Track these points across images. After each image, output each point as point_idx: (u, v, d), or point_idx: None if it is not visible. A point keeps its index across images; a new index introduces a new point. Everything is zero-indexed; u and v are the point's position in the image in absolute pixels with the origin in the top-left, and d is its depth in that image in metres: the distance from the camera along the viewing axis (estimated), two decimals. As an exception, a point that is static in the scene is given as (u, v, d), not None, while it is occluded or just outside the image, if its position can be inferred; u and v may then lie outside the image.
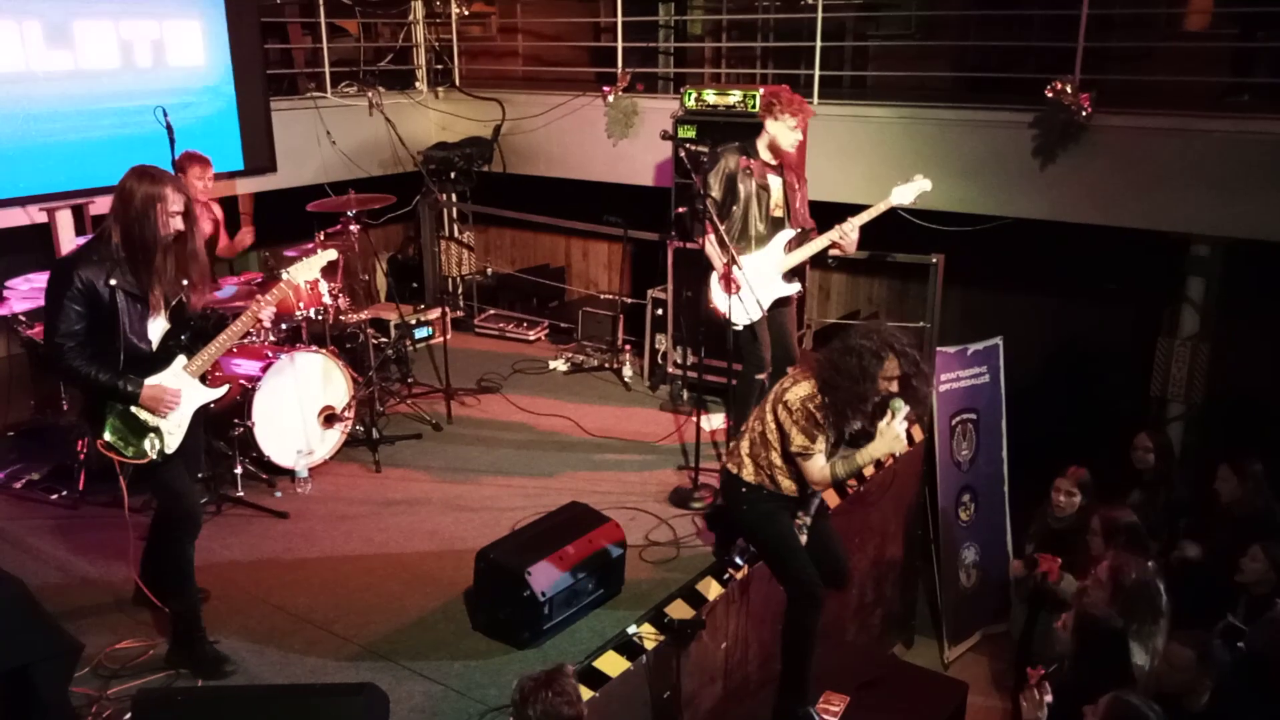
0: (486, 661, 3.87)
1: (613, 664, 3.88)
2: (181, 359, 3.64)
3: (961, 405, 6.29)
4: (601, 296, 8.03)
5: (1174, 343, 6.35)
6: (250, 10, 7.05)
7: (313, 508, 5.07)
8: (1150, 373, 6.52)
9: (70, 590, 4.30)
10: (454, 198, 8.38)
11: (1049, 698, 3.64)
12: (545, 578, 3.89)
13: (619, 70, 7.45)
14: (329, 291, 5.66)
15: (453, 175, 8.03)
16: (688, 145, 5.25)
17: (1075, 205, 5.90)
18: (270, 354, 5.21)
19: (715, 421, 5.74)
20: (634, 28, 7.81)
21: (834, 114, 6.57)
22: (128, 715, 3.36)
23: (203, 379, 3.72)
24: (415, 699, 3.65)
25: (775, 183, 5.13)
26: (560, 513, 4.37)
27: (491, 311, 8.22)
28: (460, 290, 8.54)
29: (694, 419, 5.26)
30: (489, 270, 9.01)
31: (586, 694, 3.70)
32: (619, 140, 7.46)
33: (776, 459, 3.74)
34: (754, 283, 4.85)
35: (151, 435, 3.57)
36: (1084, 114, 5.63)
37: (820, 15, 6.57)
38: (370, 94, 7.33)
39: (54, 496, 5.10)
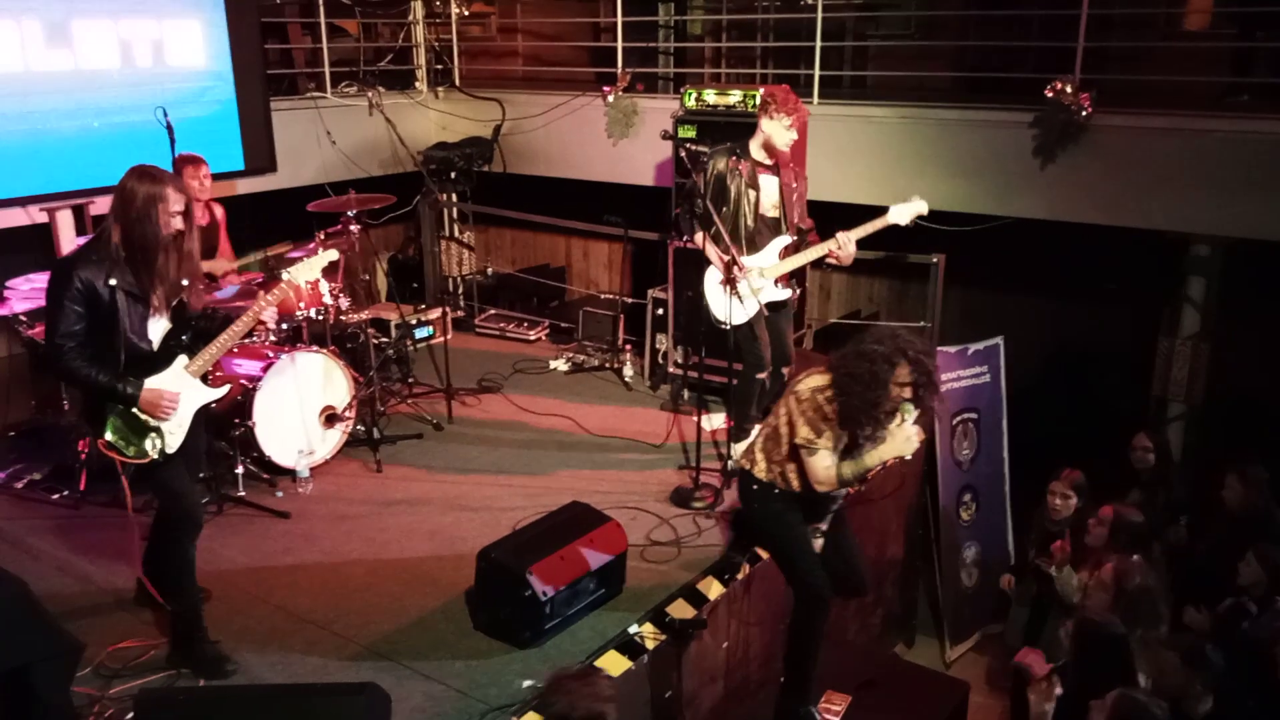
0: (487, 661, 3.87)
1: (614, 663, 3.88)
2: (183, 359, 3.64)
3: (962, 405, 6.29)
4: (602, 296, 8.03)
5: (1174, 342, 6.35)
6: (250, 10, 7.05)
7: (314, 508, 5.07)
8: (1150, 373, 6.52)
9: (71, 590, 4.30)
10: (454, 198, 8.38)
11: (1058, 689, 3.65)
12: (546, 577, 3.89)
13: (619, 70, 7.45)
14: (330, 291, 5.66)
15: (453, 175, 8.03)
16: (688, 145, 5.25)
17: (1075, 205, 5.90)
18: (271, 354, 5.21)
19: (716, 421, 5.74)
20: (634, 27, 7.81)
21: (834, 114, 6.57)
22: (129, 715, 3.37)
23: (204, 379, 3.72)
24: (416, 699, 3.65)
25: (769, 183, 5.13)
26: (561, 512, 4.37)
27: (492, 311, 8.22)
28: (461, 290, 8.54)
29: (694, 419, 5.26)
30: (489, 270, 9.01)
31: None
32: (619, 140, 7.46)
33: (787, 454, 3.73)
34: (747, 285, 4.85)
35: (153, 435, 3.57)
36: (1084, 114, 5.63)
37: (820, 15, 6.57)
38: (370, 94, 7.33)
39: (55, 496, 5.10)
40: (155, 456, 3.58)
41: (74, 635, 3.41)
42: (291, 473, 5.24)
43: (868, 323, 7.93)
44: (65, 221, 5.93)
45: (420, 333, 6.75)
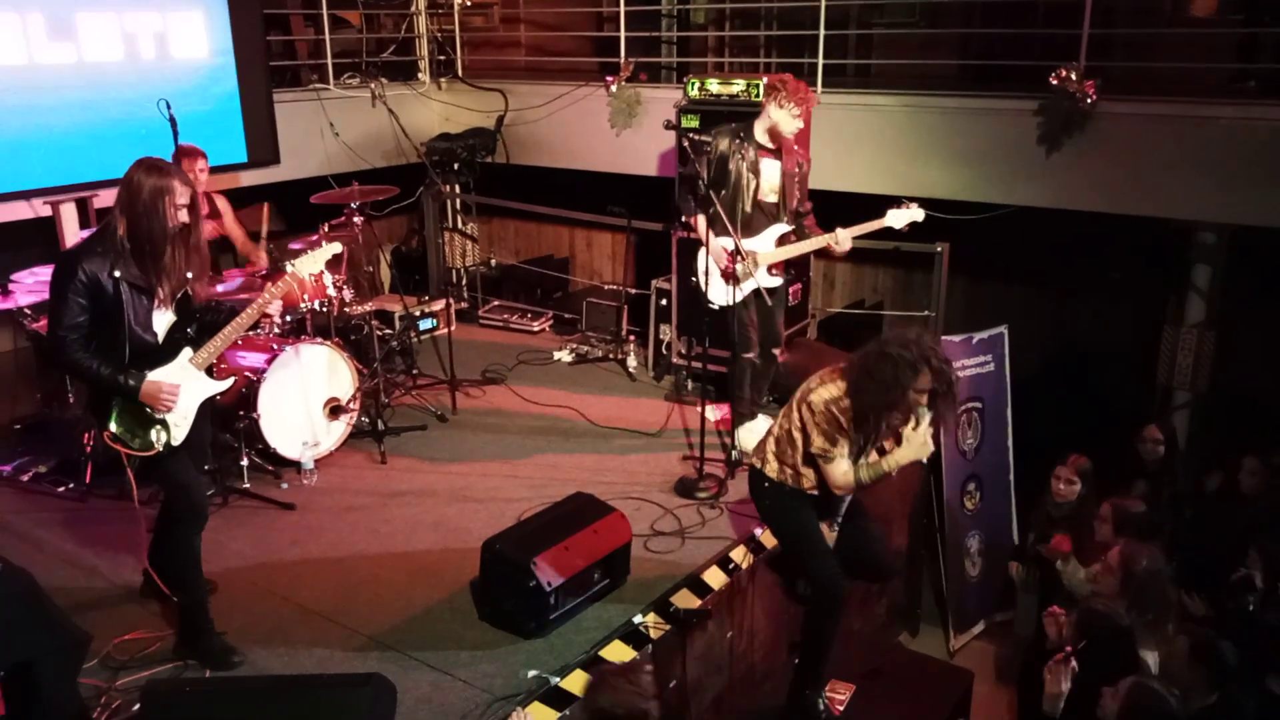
0: (492, 651, 3.88)
1: (618, 653, 3.89)
2: (187, 351, 3.65)
3: (966, 394, 6.27)
4: (606, 287, 8.02)
5: (1179, 331, 6.33)
6: (253, 2, 7.04)
7: (319, 499, 5.08)
8: (1155, 361, 6.50)
9: (78, 583, 4.32)
10: (457, 189, 8.37)
11: (1074, 665, 3.66)
12: (551, 568, 3.90)
13: (622, 60, 7.43)
14: (334, 283, 5.67)
15: (456, 166, 8.02)
16: (691, 134, 5.24)
17: (1080, 193, 5.88)
18: (275, 346, 5.21)
19: (719, 411, 5.74)
20: (637, 17, 7.78)
21: (837, 103, 6.54)
22: (136, 706, 3.39)
23: (209, 371, 3.73)
24: (422, 689, 3.66)
25: (770, 167, 5.11)
26: (565, 503, 4.37)
27: (496, 303, 8.22)
28: (464, 281, 8.53)
29: (698, 409, 5.27)
30: (493, 261, 9.00)
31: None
32: (622, 130, 7.44)
33: (800, 458, 3.72)
34: (740, 269, 4.87)
35: (158, 427, 3.58)
36: (1088, 101, 5.60)
37: (824, 3, 6.54)
38: (373, 85, 7.31)
39: (61, 489, 5.12)
40: (160, 449, 3.60)
41: (81, 627, 3.43)
42: (296, 465, 5.25)
43: (872, 313, 7.94)
44: (69, 214, 5.94)
45: (424, 324, 6.75)
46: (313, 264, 4.10)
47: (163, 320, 3.60)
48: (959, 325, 6.50)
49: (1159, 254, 6.48)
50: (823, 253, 5.18)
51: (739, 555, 4.50)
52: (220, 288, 5.32)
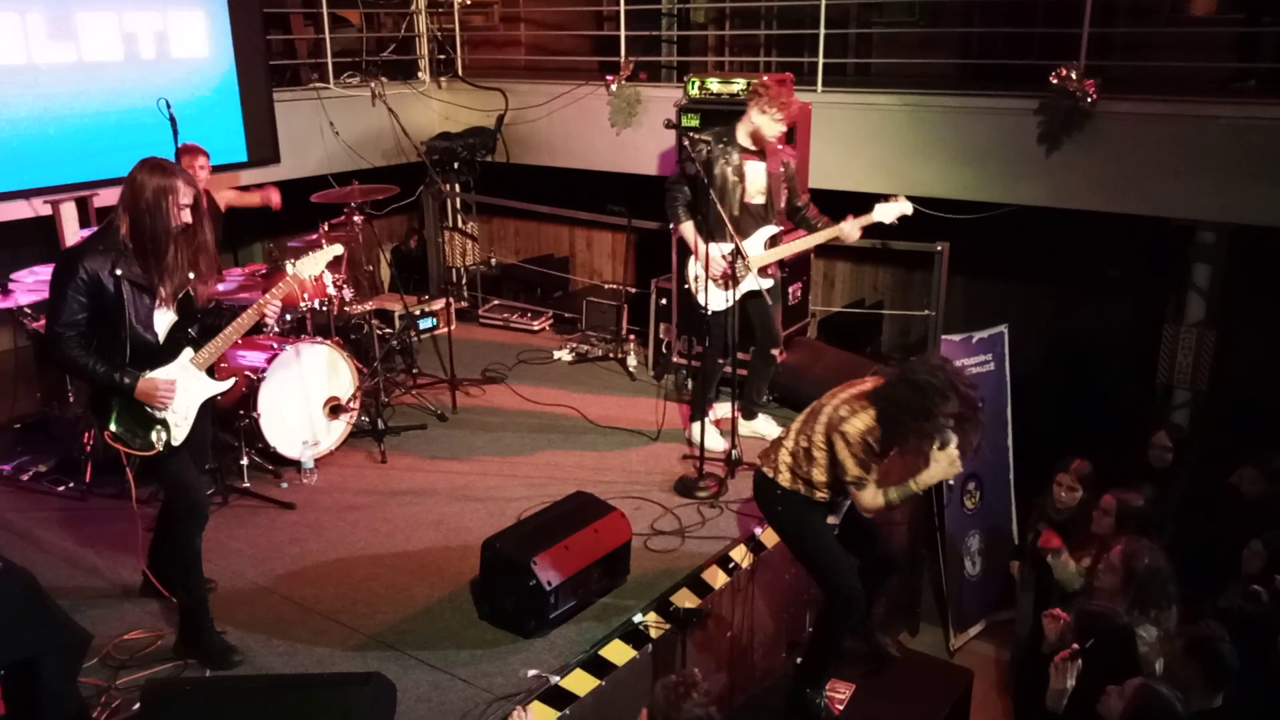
0: (493, 650, 3.89)
1: (619, 653, 3.90)
2: (188, 351, 3.65)
3: (966, 394, 6.27)
4: (606, 286, 8.02)
5: (1179, 330, 6.33)
6: (253, 1, 7.04)
7: (319, 498, 5.08)
8: (1155, 360, 6.50)
9: (78, 582, 4.32)
10: (457, 188, 8.37)
11: (1080, 662, 3.66)
12: (551, 567, 3.90)
13: (622, 59, 7.43)
14: (334, 283, 5.67)
15: (456, 165, 8.02)
16: (691, 134, 5.24)
17: (1080, 192, 5.88)
18: (275, 345, 5.22)
19: (721, 411, 5.74)
20: (637, 16, 7.78)
21: (838, 102, 6.54)
22: (136, 705, 3.40)
23: (210, 371, 3.73)
24: (422, 688, 3.67)
25: (756, 169, 5.12)
26: (565, 502, 4.38)
27: (496, 302, 8.23)
28: (464, 281, 8.53)
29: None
30: (493, 260, 9.00)
31: (592, 683, 3.73)
32: (622, 129, 7.44)
33: (818, 474, 3.72)
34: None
35: (158, 427, 3.58)
36: (1088, 101, 5.60)
37: (824, 2, 6.54)
38: (373, 84, 7.31)
39: (61, 489, 5.12)
40: (160, 449, 3.60)
41: (81, 626, 3.44)
42: (296, 464, 5.25)
43: (872, 312, 7.94)
44: (69, 214, 5.93)
45: (424, 323, 6.76)
46: (313, 266, 4.11)
47: (164, 320, 3.60)
48: (959, 324, 6.50)
49: (1159, 253, 6.48)
50: (822, 247, 5.19)
51: (739, 554, 4.50)
52: (220, 287, 5.32)
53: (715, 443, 5.35)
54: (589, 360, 7.04)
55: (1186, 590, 4.10)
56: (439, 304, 6.96)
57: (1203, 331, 6.26)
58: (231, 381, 3.89)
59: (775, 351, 5.50)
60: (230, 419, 5.06)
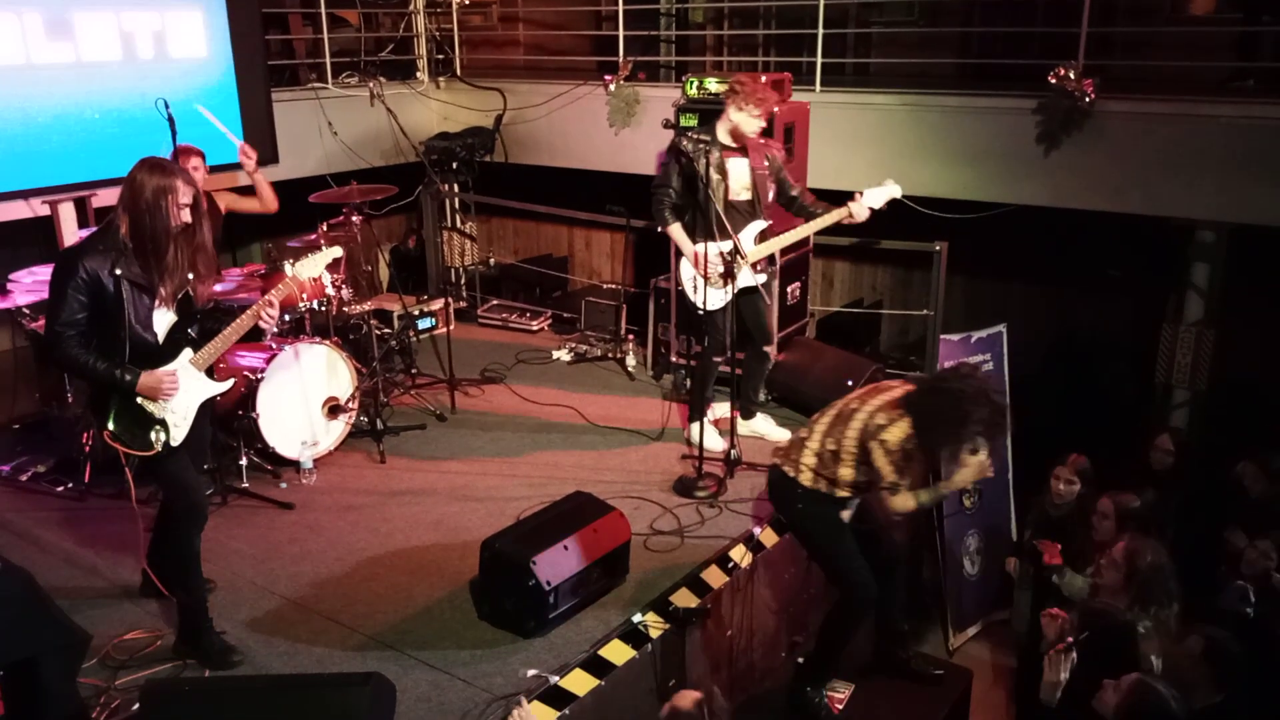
0: (492, 650, 3.89)
1: (618, 652, 3.89)
2: (188, 352, 3.65)
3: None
4: (604, 286, 8.02)
5: (1178, 329, 6.33)
6: (251, 1, 7.03)
7: (318, 499, 5.08)
8: (1154, 360, 6.50)
9: (77, 582, 4.32)
10: (456, 188, 8.37)
11: (1074, 656, 3.66)
12: (550, 567, 3.90)
13: (620, 59, 7.43)
14: (332, 283, 5.66)
15: (454, 165, 8.01)
16: (689, 134, 5.24)
17: (1079, 192, 5.88)
18: (274, 346, 5.21)
19: (719, 410, 5.74)
20: (635, 16, 7.78)
21: (836, 102, 6.54)
22: (135, 706, 3.40)
23: (209, 372, 3.73)
24: (421, 688, 3.67)
25: (738, 165, 5.13)
26: (565, 502, 4.38)
27: (494, 302, 8.22)
28: (463, 281, 8.53)
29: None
30: (492, 260, 9.00)
31: (592, 683, 3.72)
32: (621, 129, 7.44)
33: (845, 473, 3.77)
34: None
35: (157, 427, 3.58)
36: (1087, 100, 5.61)
37: (822, 2, 6.54)
38: (371, 84, 7.32)
39: (60, 489, 5.12)
40: (159, 449, 3.59)
41: (81, 626, 3.43)
42: (295, 464, 5.25)
43: (870, 311, 7.94)
44: (67, 214, 5.93)
45: (423, 323, 6.75)
46: (312, 268, 4.11)
47: (163, 320, 3.60)
48: (958, 324, 6.50)
49: (1158, 252, 6.48)
50: (821, 247, 5.19)
51: (738, 554, 4.49)
52: (218, 287, 5.32)
53: (714, 442, 5.35)
54: (588, 360, 7.03)
55: (1187, 590, 4.11)
56: (438, 304, 6.96)
57: (1202, 331, 6.26)
58: (231, 382, 3.88)
59: (768, 349, 5.51)
60: (229, 419, 5.05)
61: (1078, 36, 5.70)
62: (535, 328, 7.71)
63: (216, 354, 3.70)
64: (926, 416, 3.57)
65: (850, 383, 5.78)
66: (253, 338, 4.62)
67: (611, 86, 7.36)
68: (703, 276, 5.07)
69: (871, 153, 6.45)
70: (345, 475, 5.34)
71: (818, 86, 6.60)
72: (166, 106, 5.34)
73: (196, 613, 3.79)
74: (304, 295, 5.47)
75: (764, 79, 5.13)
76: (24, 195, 6.03)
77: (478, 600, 4.16)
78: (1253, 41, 6.46)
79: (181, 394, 3.61)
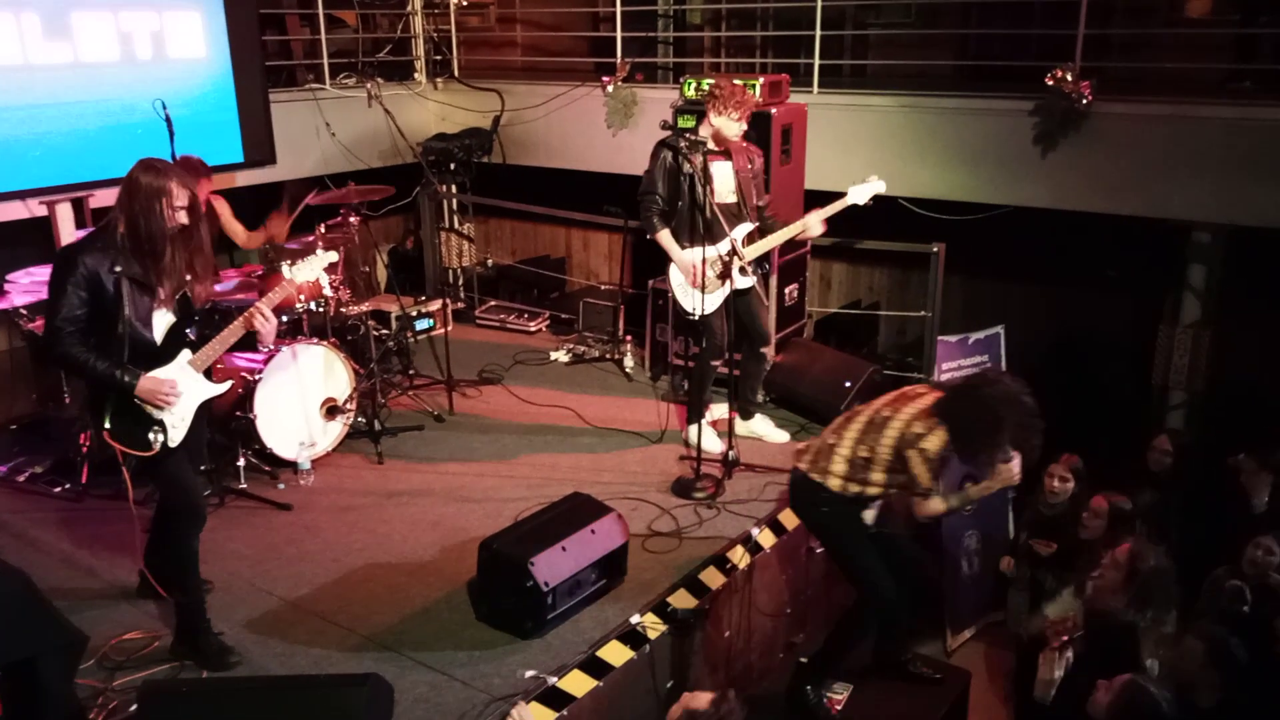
0: (490, 651, 3.88)
1: (616, 654, 3.89)
2: (186, 353, 3.64)
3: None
4: (602, 287, 8.02)
5: (1175, 331, 6.34)
6: (249, 1, 7.03)
7: (315, 499, 5.08)
8: (1151, 361, 6.51)
9: (75, 583, 4.31)
10: (454, 189, 8.37)
11: (1070, 654, 3.67)
12: (548, 568, 3.90)
13: (618, 60, 7.43)
14: (330, 284, 5.66)
15: (452, 166, 8.02)
16: (687, 135, 5.25)
17: (1076, 193, 5.89)
18: (272, 347, 5.20)
19: (717, 411, 5.74)
20: (633, 17, 7.78)
21: (834, 103, 6.55)
22: (133, 707, 3.39)
23: (207, 374, 3.72)
24: (419, 689, 3.66)
25: (722, 169, 5.14)
26: (563, 503, 4.37)
27: (492, 303, 8.22)
28: (461, 281, 8.53)
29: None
30: (489, 261, 9.00)
31: (590, 684, 3.72)
32: (618, 130, 7.45)
33: (878, 476, 3.80)
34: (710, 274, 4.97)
35: (155, 428, 3.58)
36: (1084, 102, 5.62)
37: (820, 3, 6.55)
38: (369, 85, 7.32)
39: (57, 489, 5.11)
40: (157, 449, 3.59)
41: (78, 628, 3.42)
42: (293, 465, 5.24)
43: (868, 312, 7.94)
44: (65, 214, 5.92)
45: (420, 324, 6.75)
46: (309, 272, 4.11)
47: (162, 320, 3.59)
48: (955, 325, 6.50)
49: (1155, 254, 6.49)
50: (820, 248, 5.20)
51: (736, 555, 4.49)
52: (217, 288, 5.31)
53: (712, 444, 5.35)
54: (586, 361, 7.03)
55: (1186, 591, 4.12)
56: (435, 305, 6.96)
57: (1199, 332, 6.28)
58: (229, 384, 3.88)
59: (765, 350, 5.52)
60: (227, 420, 5.05)
61: (1075, 38, 5.71)
62: (533, 329, 7.71)
63: (215, 355, 3.70)
64: (963, 425, 3.61)
65: (848, 384, 5.79)
66: (249, 345, 4.62)
67: (609, 88, 7.37)
68: (693, 285, 5.07)
69: (869, 154, 6.46)
70: (343, 476, 5.33)
71: (815, 88, 6.61)
72: (164, 108, 5.34)
73: (194, 613, 3.78)
74: (301, 294, 5.46)
75: (720, 80, 5.14)
76: (21, 196, 6.03)
77: (476, 601, 4.15)
78: (1250, 43, 6.48)
79: (180, 395, 3.60)
